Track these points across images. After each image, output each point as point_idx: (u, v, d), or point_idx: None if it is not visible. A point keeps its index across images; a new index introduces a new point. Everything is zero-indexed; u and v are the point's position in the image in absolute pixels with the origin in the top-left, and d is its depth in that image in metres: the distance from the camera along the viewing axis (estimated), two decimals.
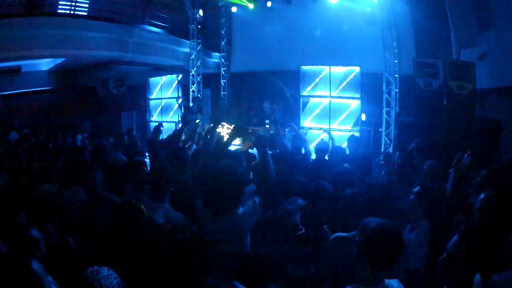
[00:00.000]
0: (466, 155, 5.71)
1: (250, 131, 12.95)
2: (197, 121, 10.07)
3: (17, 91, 16.18)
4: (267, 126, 13.72)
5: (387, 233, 3.07)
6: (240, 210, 4.10)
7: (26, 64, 15.32)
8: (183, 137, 9.13)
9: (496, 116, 10.85)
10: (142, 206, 3.83)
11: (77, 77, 18.39)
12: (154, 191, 4.81)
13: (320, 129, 13.77)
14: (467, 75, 11.10)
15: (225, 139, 5.70)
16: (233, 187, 4.06)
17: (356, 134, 12.77)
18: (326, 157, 7.88)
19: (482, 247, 2.93)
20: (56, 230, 4.46)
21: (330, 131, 10.31)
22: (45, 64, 16.50)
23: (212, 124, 6.94)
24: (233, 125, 12.43)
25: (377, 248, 3.01)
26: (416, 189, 4.74)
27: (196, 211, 4.41)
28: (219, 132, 12.16)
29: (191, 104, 17.61)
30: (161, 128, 11.56)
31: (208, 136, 6.46)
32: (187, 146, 8.31)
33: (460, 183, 5.25)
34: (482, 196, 4.63)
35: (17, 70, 15.25)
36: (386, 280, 3.06)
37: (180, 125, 15.76)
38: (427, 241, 4.38)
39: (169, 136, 9.97)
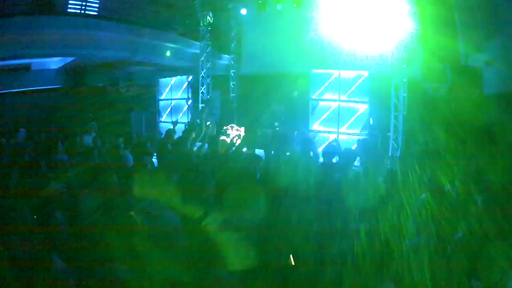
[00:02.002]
0: (471, 161, 5.75)
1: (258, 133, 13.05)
2: (208, 123, 10.09)
3: (26, 89, 16.32)
4: (277, 128, 13.77)
5: (375, 239, 3.12)
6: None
7: (35, 62, 15.42)
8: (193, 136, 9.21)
9: (502, 122, 10.83)
10: (138, 219, 3.89)
11: (86, 76, 18.50)
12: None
13: (329, 132, 13.77)
14: (475, 80, 11.11)
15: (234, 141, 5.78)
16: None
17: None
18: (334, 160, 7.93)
19: None
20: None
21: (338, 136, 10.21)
22: (54, 62, 16.62)
23: (217, 128, 7.04)
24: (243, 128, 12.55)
25: (365, 253, 3.06)
26: (423, 195, 4.72)
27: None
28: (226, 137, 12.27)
29: (200, 106, 17.71)
30: (175, 129, 11.62)
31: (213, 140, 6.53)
32: (197, 147, 8.39)
33: (465, 187, 5.28)
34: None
35: (26, 68, 15.36)
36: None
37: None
38: (430, 247, 4.40)
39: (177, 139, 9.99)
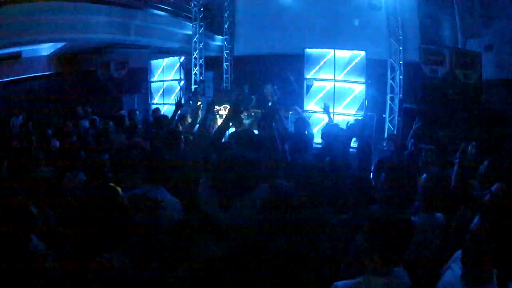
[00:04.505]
0: (470, 146, 5.63)
1: (248, 112, 12.90)
2: (199, 103, 9.98)
3: (18, 77, 16.16)
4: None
5: (396, 224, 3.00)
6: (247, 199, 4.10)
7: (26, 50, 15.25)
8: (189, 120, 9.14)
9: (501, 107, 10.78)
10: (119, 189, 3.79)
11: (78, 61, 18.31)
12: (149, 174, 4.70)
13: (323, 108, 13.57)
14: (474, 64, 11.01)
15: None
16: (247, 176, 4.11)
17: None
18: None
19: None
20: (54, 212, 4.46)
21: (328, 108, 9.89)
22: (45, 49, 16.43)
23: (206, 108, 6.92)
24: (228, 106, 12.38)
25: (386, 240, 2.94)
26: (424, 181, 4.64)
27: (200, 199, 4.45)
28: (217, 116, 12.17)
29: (193, 87, 17.59)
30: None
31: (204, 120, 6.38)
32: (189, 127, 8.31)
33: (464, 174, 5.17)
34: (492, 189, 4.48)
35: (17, 56, 15.18)
36: (395, 269, 3.01)
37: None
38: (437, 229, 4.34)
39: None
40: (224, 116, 12.47)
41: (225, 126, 5.28)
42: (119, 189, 3.80)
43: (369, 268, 3.02)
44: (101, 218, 3.51)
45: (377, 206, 4.20)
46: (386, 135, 13.95)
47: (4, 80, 15.73)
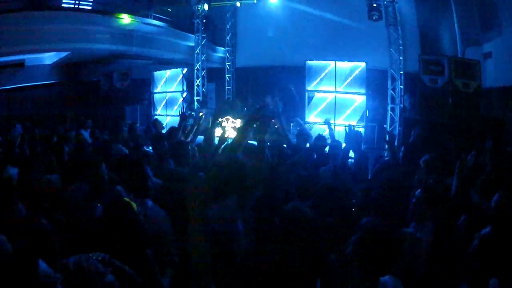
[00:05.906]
0: (470, 156, 5.67)
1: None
2: (201, 113, 10.02)
3: (21, 85, 16.19)
4: (272, 120, 13.68)
5: (380, 234, 3.05)
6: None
7: (30, 58, 15.31)
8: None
9: (500, 115, 10.78)
10: (134, 204, 3.77)
11: (81, 71, 18.39)
12: (133, 187, 4.67)
13: (324, 123, 13.58)
14: (473, 73, 11.03)
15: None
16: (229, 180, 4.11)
17: (361, 130, 12.68)
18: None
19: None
20: (57, 223, 4.44)
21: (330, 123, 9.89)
22: (48, 58, 16.49)
23: (211, 120, 6.95)
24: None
25: (370, 248, 2.99)
26: (418, 191, 4.67)
27: None
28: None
29: (196, 99, 17.68)
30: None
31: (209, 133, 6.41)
32: (189, 139, 8.32)
33: (464, 183, 5.22)
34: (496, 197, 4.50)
35: (20, 64, 15.22)
36: (381, 279, 3.04)
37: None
38: (429, 242, 4.36)
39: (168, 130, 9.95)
40: (226, 128, 12.59)
41: (241, 137, 5.36)
42: (134, 204, 3.79)
43: (356, 278, 3.07)
44: (117, 235, 3.53)
45: (368, 218, 4.24)
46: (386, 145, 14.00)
47: (7, 87, 15.81)
